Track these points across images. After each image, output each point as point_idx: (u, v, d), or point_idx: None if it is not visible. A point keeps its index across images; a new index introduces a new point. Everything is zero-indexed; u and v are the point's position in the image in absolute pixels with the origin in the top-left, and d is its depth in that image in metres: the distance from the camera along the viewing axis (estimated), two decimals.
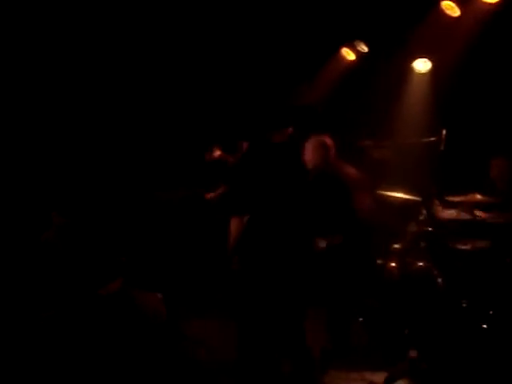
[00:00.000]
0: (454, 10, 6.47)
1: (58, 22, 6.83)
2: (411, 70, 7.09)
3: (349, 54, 7.40)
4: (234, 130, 7.31)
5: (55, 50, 6.90)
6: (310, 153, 5.65)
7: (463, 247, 5.79)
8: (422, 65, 7.01)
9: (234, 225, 4.84)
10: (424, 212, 6.10)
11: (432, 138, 6.34)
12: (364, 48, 7.23)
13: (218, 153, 7.13)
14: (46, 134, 6.89)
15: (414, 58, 7.02)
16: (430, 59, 6.95)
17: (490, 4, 6.16)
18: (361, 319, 6.11)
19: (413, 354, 5.30)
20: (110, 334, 4.66)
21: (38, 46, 6.84)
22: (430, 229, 6.05)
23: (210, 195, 7.05)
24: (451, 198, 5.86)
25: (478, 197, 5.72)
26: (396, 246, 6.16)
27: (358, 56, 7.35)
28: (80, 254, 5.17)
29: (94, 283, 4.93)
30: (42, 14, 6.77)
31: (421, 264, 5.94)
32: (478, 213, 5.79)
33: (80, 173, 6.75)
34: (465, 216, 5.81)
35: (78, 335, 4.60)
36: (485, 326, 5.35)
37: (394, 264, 6.03)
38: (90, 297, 4.80)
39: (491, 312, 5.41)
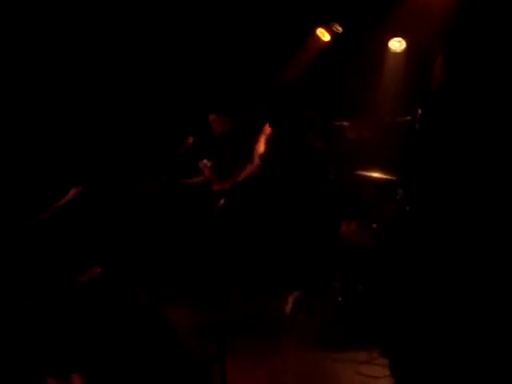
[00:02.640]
0: None
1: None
2: (387, 49, 7.12)
3: (324, 35, 7.39)
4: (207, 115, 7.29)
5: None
6: None
7: None
8: (397, 44, 7.04)
9: None
10: (401, 191, 6.16)
11: (408, 118, 6.39)
12: (339, 29, 7.23)
13: (190, 140, 7.10)
14: (23, 127, 6.81)
15: (390, 38, 7.05)
16: (405, 39, 6.98)
17: None
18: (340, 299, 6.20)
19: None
20: (91, 321, 4.66)
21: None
22: (407, 208, 6.13)
23: (188, 181, 7.04)
24: None
25: None
26: (373, 225, 6.22)
27: (333, 37, 7.34)
28: (59, 242, 5.16)
29: (73, 271, 4.93)
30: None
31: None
32: None
33: (57, 163, 6.70)
34: None
35: (61, 323, 4.60)
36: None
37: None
38: (70, 284, 4.80)
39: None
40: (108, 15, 7.03)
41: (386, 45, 7.07)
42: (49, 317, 4.61)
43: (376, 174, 6.26)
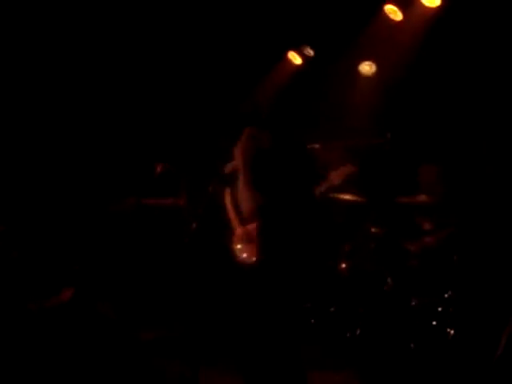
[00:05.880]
0: (396, 15, 6.58)
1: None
2: (357, 73, 7.19)
3: (295, 58, 7.45)
4: (179, 140, 7.27)
5: None
6: None
7: (411, 247, 5.91)
8: (367, 68, 7.11)
9: None
10: (372, 213, 6.21)
11: (378, 140, 6.45)
12: (310, 52, 7.29)
13: (159, 168, 7.02)
14: None
15: (360, 62, 7.12)
16: (375, 63, 7.06)
17: (432, 8, 6.29)
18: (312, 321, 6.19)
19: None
20: (61, 345, 4.59)
21: None
22: (378, 229, 6.17)
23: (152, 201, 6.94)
24: (399, 199, 5.97)
25: (424, 198, 5.83)
26: (346, 247, 6.25)
27: (304, 60, 7.40)
28: (28, 264, 5.08)
29: (44, 293, 4.85)
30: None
31: (370, 264, 6.05)
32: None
33: (27, 181, 6.61)
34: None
35: (33, 346, 4.52)
36: (434, 322, 5.48)
37: (344, 265, 6.13)
38: (39, 307, 4.72)
39: (440, 309, 5.54)
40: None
41: (356, 68, 7.14)
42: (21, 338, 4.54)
43: (347, 197, 6.28)
